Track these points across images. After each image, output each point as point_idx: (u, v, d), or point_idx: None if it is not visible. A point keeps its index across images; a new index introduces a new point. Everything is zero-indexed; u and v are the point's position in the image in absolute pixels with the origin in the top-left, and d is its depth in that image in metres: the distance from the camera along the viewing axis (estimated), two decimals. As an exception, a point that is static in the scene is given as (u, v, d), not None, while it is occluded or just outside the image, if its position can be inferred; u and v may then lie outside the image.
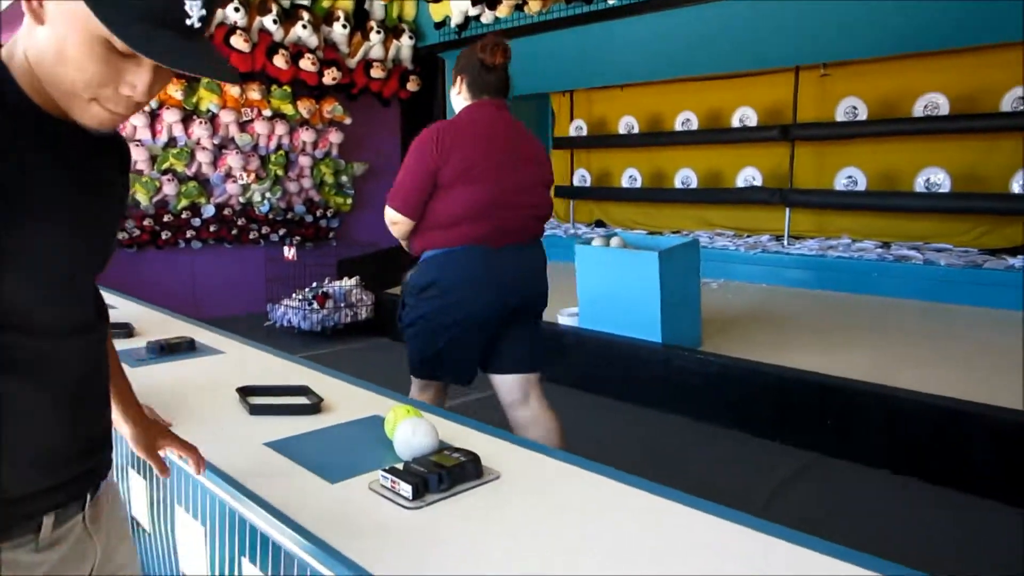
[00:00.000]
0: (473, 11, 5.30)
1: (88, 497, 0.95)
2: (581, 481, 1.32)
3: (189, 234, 5.51)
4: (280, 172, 5.72)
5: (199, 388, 1.83)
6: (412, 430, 1.38)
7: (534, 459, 1.41)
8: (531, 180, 2.30)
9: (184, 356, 2.10)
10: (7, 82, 0.81)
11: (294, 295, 5.33)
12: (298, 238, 5.97)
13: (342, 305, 5.16)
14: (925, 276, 4.41)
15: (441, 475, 1.24)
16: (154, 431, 1.25)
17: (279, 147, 5.70)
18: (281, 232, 5.93)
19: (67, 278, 0.87)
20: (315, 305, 5.07)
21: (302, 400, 1.73)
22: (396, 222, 2.26)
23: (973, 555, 2.28)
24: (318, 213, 6.13)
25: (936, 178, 4.54)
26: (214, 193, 5.54)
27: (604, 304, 3.79)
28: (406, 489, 1.22)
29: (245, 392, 1.76)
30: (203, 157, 5.32)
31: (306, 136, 5.75)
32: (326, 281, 5.43)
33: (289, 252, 5.24)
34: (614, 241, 3.88)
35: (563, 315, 4.13)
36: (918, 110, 4.56)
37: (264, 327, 5.29)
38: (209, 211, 5.51)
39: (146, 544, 1.57)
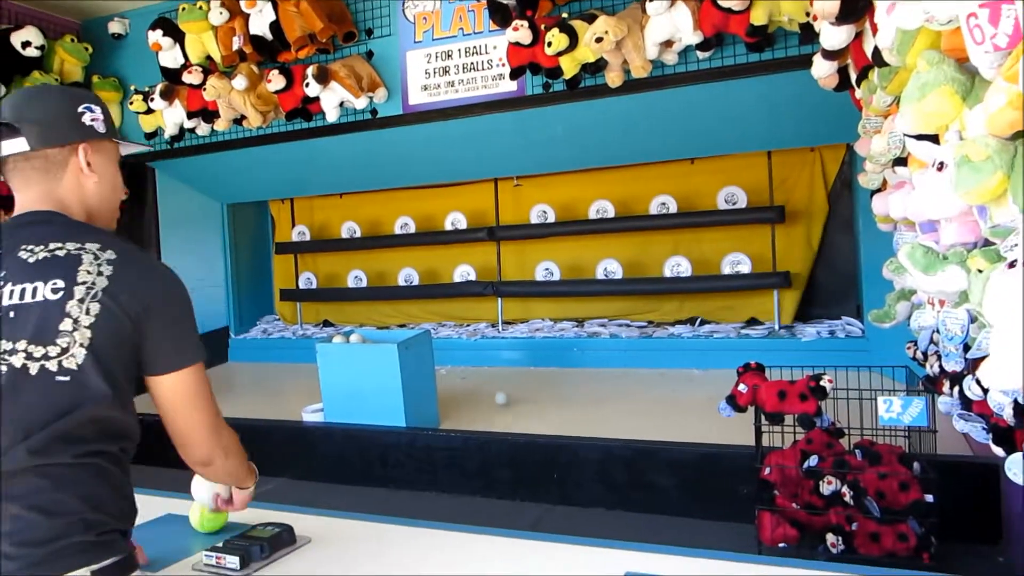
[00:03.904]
0: (189, 123, 5.35)
1: None
2: (373, 532, 1.60)
3: None
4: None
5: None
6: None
7: (333, 523, 1.65)
8: None
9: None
10: None
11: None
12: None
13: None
14: (613, 347, 5.31)
15: (262, 545, 1.43)
16: None
17: (-42, 262, 5.10)
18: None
19: None
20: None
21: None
22: None
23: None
24: (9, 332, 5.50)
25: (611, 267, 5.55)
26: None
27: (348, 397, 4.01)
28: (233, 561, 1.39)
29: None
30: None
31: (-7, 249, 5.22)
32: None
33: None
34: (353, 337, 4.16)
35: (307, 412, 4.26)
36: (592, 213, 5.59)
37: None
38: None
39: None
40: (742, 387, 2.71)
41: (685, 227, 5.40)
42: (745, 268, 5.15)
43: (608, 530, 3.20)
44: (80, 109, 1.23)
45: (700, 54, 3.88)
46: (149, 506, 1.79)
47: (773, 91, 4.06)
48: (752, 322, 5.26)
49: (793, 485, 2.77)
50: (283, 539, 1.48)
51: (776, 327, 5.08)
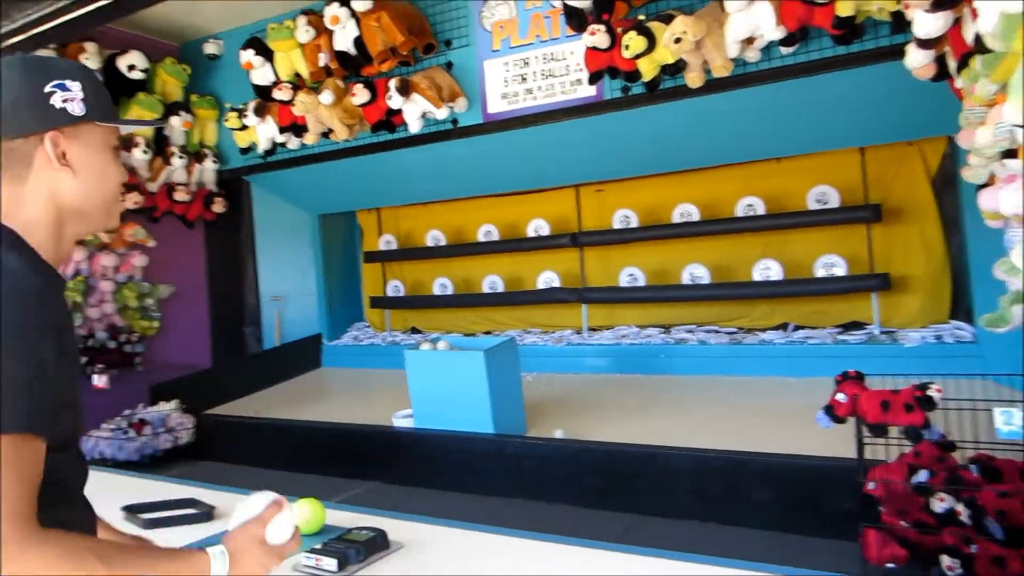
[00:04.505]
0: (280, 138, 5.57)
1: None
2: (462, 539, 1.61)
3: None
4: (79, 299, 5.48)
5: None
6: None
7: (423, 529, 1.67)
8: None
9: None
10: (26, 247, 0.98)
11: (103, 425, 5.04)
12: (101, 366, 5.66)
13: (161, 431, 4.96)
14: (701, 354, 5.18)
15: (358, 548, 1.47)
16: None
17: (77, 273, 5.49)
18: (82, 360, 5.60)
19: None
20: (131, 433, 4.83)
21: (192, 510, 1.84)
22: None
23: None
24: (121, 339, 5.87)
25: (698, 272, 5.41)
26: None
27: (437, 403, 4.07)
28: (331, 563, 1.43)
29: (132, 510, 1.83)
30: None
31: (106, 261, 5.60)
32: (139, 407, 5.21)
33: (100, 380, 4.99)
34: (441, 344, 4.22)
35: (397, 418, 4.35)
36: (676, 217, 5.48)
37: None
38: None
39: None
40: (841, 396, 2.59)
41: (773, 229, 5.21)
42: (840, 270, 4.93)
43: (701, 543, 3.12)
44: (48, 88, 0.98)
45: (783, 50, 3.76)
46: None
47: (863, 84, 3.88)
48: (852, 326, 5.03)
49: (900, 501, 2.62)
50: (377, 544, 1.51)
51: (876, 332, 4.84)
